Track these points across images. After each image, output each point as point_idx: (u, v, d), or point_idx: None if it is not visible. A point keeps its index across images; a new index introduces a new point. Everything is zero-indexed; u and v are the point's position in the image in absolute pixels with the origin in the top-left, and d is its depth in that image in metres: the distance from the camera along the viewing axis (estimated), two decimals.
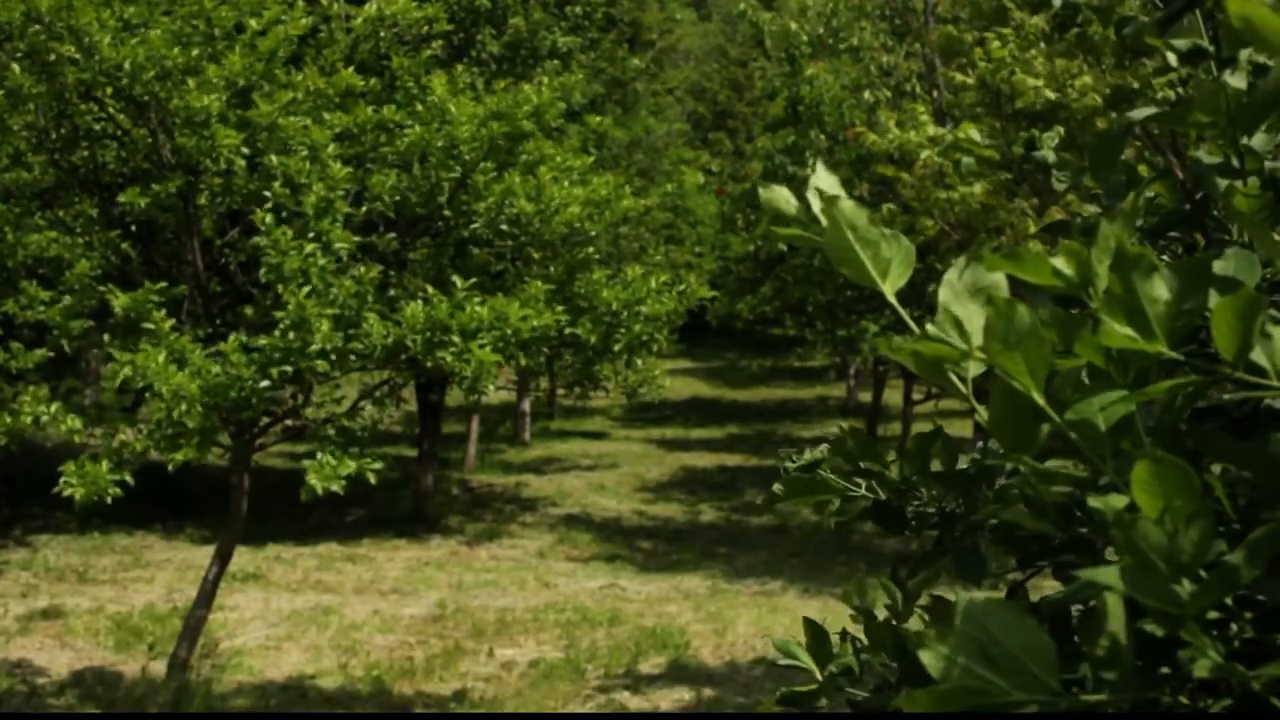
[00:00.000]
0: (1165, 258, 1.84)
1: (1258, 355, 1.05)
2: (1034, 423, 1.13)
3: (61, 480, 6.98)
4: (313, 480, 6.96)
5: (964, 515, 1.63)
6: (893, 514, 1.69)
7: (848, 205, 1.24)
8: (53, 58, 7.59)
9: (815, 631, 1.85)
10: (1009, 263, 1.14)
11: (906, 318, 1.27)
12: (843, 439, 1.73)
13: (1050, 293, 1.17)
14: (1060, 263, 1.11)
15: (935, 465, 1.67)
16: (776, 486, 1.75)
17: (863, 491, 1.70)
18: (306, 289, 7.07)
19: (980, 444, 1.67)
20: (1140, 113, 1.60)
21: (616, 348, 8.27)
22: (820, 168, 1.32)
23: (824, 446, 1.80)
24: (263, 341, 7.18)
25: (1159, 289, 1.03)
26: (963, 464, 1.66)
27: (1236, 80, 1.36)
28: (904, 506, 1.69)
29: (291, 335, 7.03)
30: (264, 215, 7.32)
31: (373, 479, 7.13)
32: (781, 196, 1.32)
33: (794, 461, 1.85)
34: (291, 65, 8.24)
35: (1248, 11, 1.14)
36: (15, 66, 7.77)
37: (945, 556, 1.67)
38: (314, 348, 6.96)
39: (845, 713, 1.87)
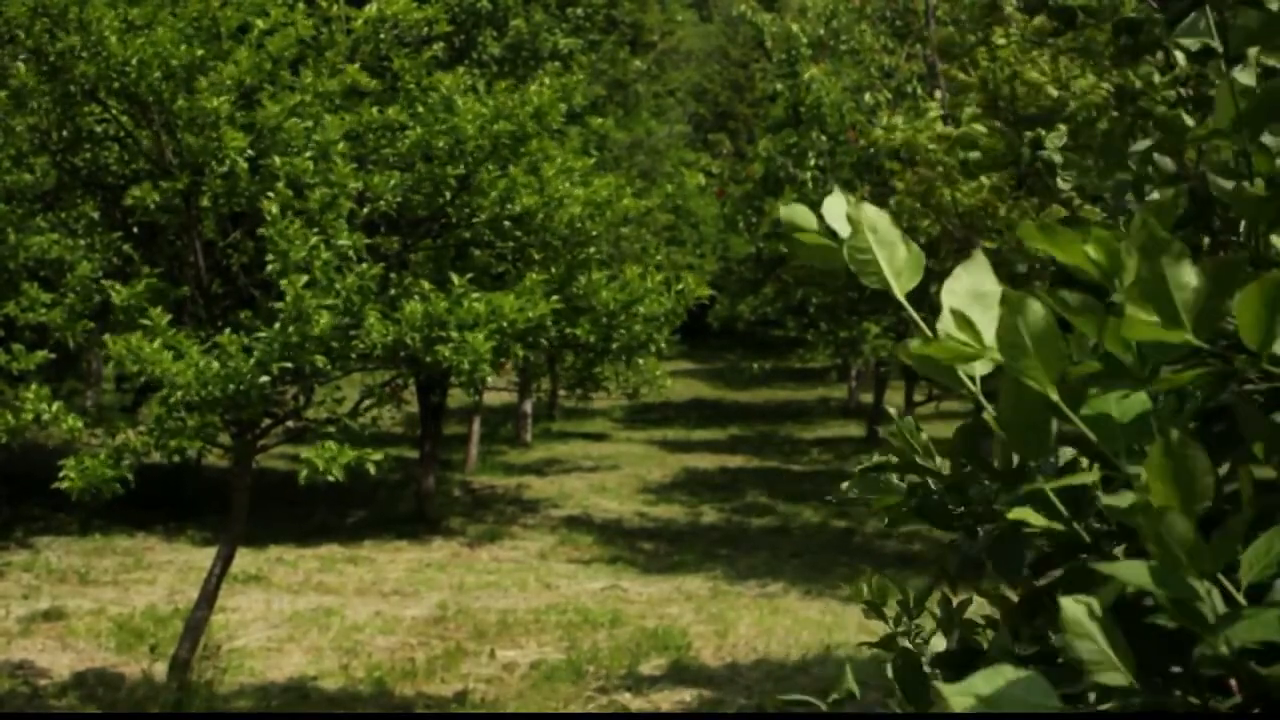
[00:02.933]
0: None
1: None
2: (1045, 421, 1.13)
3: (61, 474, 6.98)
4: (312, 457, 6.97)
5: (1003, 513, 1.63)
6: (939, 510, 1.71)
7: (870, 208, 1.30)
8: (58, 47, 7.58)
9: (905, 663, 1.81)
10: (1044, 237, 1.14)
11: (919, 320, 1.30)
12: (898, 433, 1.75)
13: (1069, 282, 1.17)
14: (1091, 249, 1.11)
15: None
16: (845, 485, 1.79)
17: (921, 489, 1.73)
18: (304, 279, 7.07)
19: (984, 449, 1.67)
20: (1143, 144, 1.60)
21: (614, 347, 8.27)
22: (836, 191, 1.37)
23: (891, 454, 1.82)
24: (262, 334, 7.19)
25: (1188, 275, 1.02)
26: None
27: (1245, 77, 1.36)
28: (949, 503, 1.70)
29: (291, 329, 7.03)
30: (271, 206, 7.32)
31: (372, 470, 7.13)
32: (801, 212, 1.38)
33: (862, 463, 1.88)
34: (293, 68, 8.24)
35: None
36: (21, 66, 7.77)
37: (988, 558, 1.67)
38: (315, 334, 6.96)
39: (848, 713, 1.87)
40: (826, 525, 17.30)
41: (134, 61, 7.46)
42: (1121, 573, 0.97)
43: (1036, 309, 1.07)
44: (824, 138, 17.57)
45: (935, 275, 1.25)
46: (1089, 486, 1.21)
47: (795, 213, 1.38)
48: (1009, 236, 10.94)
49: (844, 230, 1.31)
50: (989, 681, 1.01)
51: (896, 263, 1.28)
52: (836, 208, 1.33)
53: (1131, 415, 1.11)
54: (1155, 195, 1.83)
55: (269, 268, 7.32)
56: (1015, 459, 1.63)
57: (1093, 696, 1.11)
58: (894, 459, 1.76)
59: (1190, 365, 1.07)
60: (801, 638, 11.17)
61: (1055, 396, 1.09)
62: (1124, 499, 1.06)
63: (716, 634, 11.32)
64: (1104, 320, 1.06)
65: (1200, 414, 1.36)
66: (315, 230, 7.32)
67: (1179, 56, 1.49)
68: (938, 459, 1.71)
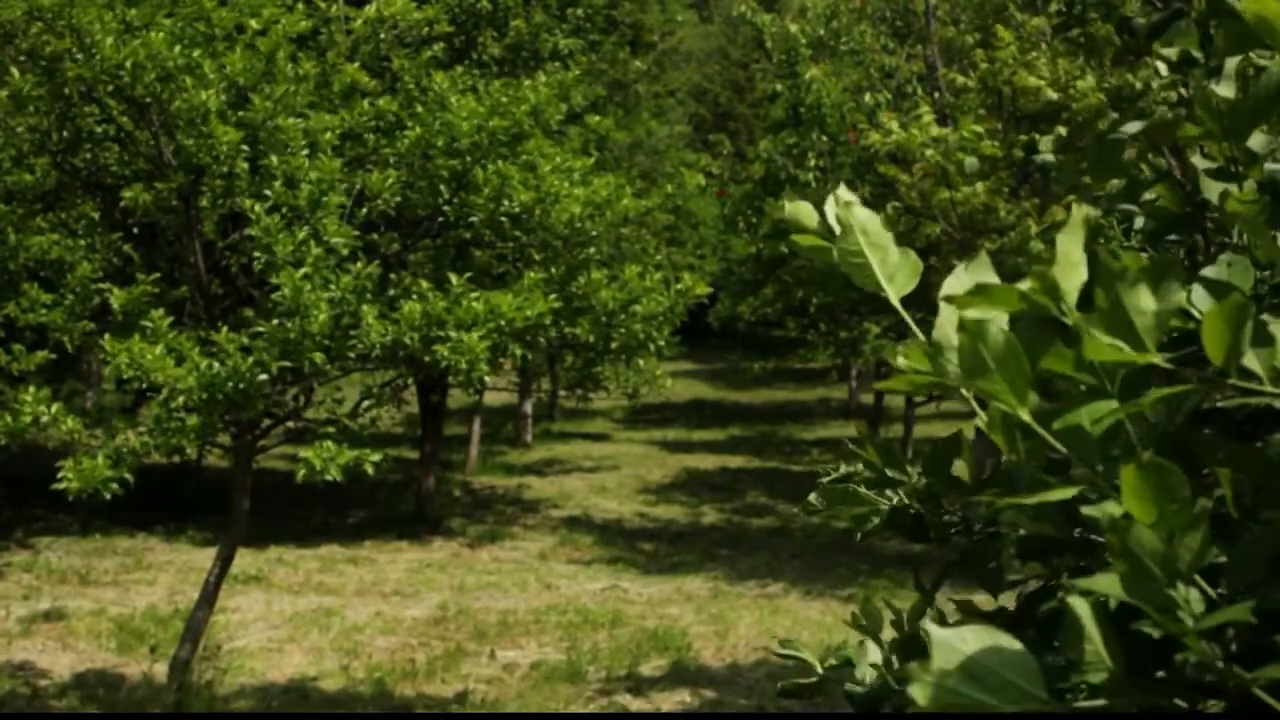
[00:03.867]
0: None
1: (1249, 360, 1.05)
2: (1026, 434, 1.13)
3: (59, 475, 6.98)
4: (310, 457, 6.97)
5: (986, 522, 1.64)
6: (914, 523, 1.70)
7: (861, 210, 1.29)
8: (50, 50, 7.58)
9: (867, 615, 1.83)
10: (975, 300, 1.14)
11: (913, 325, 1.29)
12: (862, 444, 1.74)
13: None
14: (1027, 288, 1.11)
15: (959, 472, 1.67)
16: (813, 497, 1.77)
17: (893, 502, 1.71)
18: (301, 271, 7.07)
19: (979, 453, 1.68)
20: (1133, 125, 1.60)
21: (614, 347, 8.27)
22: (843, 188, 1.37)
23: (858, 464, 1.81)
24: (261, 328, 7.19)
25: (1145, 299, 1.03)
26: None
27: (1224, 89, 1.36)
28: (924, 515, 1.69)
29: (289, 324, 7.03)
30: (254, 204, 7.33)
31: (370, 470, 7.13)
32: (803, 210, 1.38)
33: (829, 474, 1.86)
34: (291, 64, 8.24)
35: (1261, 8, 1.14)
36: (15, 70, 7.77)
37: (967, 566, 1.67)
38: (313, 329, 6.95)
39: (849, 712, 1.87)
40: (826, 526, 17.25)
41: (128, 64, 7.47)
42: (1097, 586, 0.98)
43: (996, 332, 1.08)
44: (824, 138, 17.58)
45: (939, 275, 1.25)
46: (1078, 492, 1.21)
47: (798, 210, 1.38)
48: (1011, 237, 10.94)
49: (841, 224, 1.31)
50: (978, 639, 1.01)
51: (889, 266, 1.27)
52: (845, 197, 1.33)
53: (1103, 427, 1.12)
54: (1149, 195, 1.84)
55: (255, 265, 7.33)
56: (987, 469, 1.63)
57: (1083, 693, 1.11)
58: (861, 470, 1.76)
59: (1158, 382, 1.08)
60: (802, 638, 11.17)
61: (1026, 416, 1.10)
62: (1104, 509, 1.07)
63: (717, 634, 11.33)
64: (1050, 346, 1.07)
65: (1192, 417, 1.37)
66: (305, 227, 7.32)
67: (1160, 66, 1.49)
68: (911, 473, 1.71)
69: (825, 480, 1.85)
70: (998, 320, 1.10)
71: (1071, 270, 1.07)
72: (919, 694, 1.00)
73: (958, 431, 1.70)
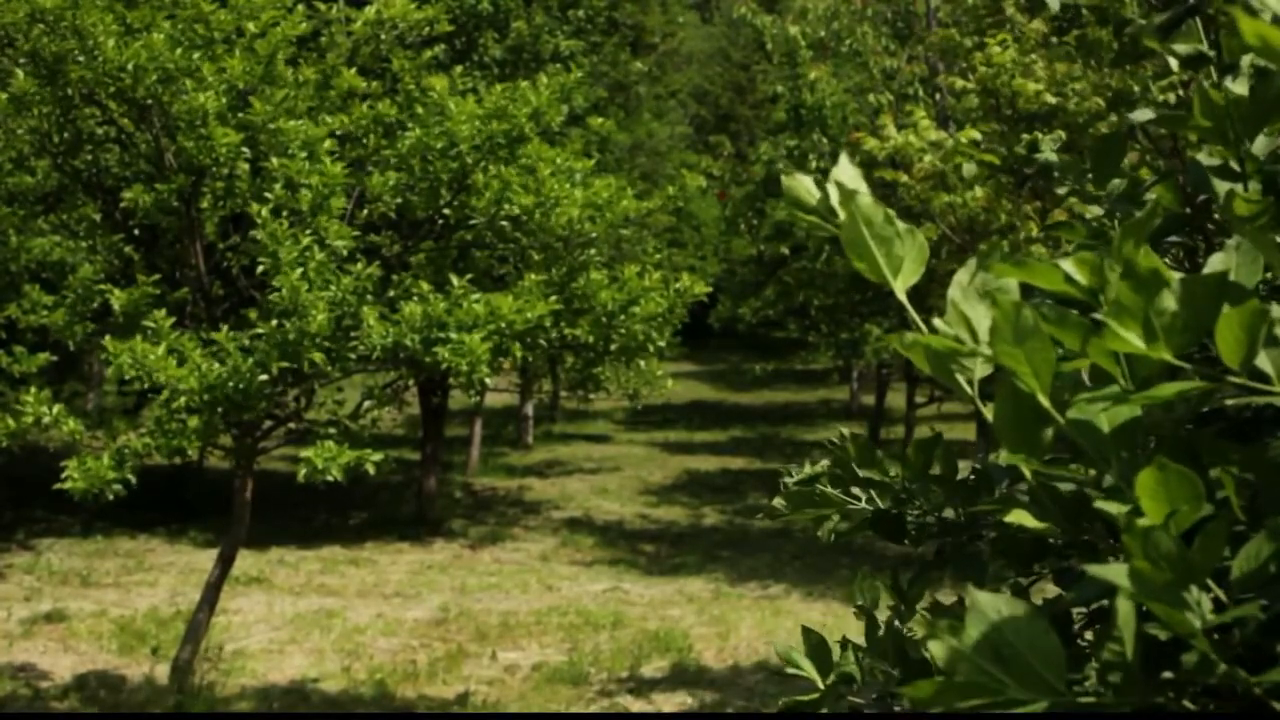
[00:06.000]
0: (1166, 261, 1.83)
1: (1261, 361, 1.05)
2: (1039, 423, 1.13)
3: (64, 475, 6.99)
4: (312, 457, 6.98)
5: (965, 523, 1.63)
6: (892, 523, 1.69)
7: (865, 200, 1.25)
8: (55, 50, 7.59)
9: (814, 640, 1.84)
10: (1018, 270, 1.14)
11: (914, 315, 1.27)
12: (842, 447, 1.72)
13: (1056, 296, 1.17)
14: (1072, 269, 1.11)
15: (935, 472, 1.65)
16: (777, 500, 1.74)
17: (863, 503, 1.69)
18: (299, 271, 7.08)
19: (981, 454, 1.67)
20: (1142, 115, 1.59)
21: (614, 348, 8.26)
22: (843, 159, 1.33)
23: (824, 462, 1.79)
24: (260, 329, 7.20)
25: (1167, 301, 1.03)
26: (963, 472, 1.65)
27: (1238, 86, 1.36)
28: (904, 515, 1.68)
29: (288, 324, 7.03)
30: (260, 208, 7.34)
31: (371, 470, 7.13)
32: (803, 185, 1.33)
33: (793, 475, 1.84)
34: (291, 68, 8.25)
35: (1261, 30, 1.14)
36: (20, 72, 7.78)
37: (945, 565, 1.67)
38: (312, 330, 6.95)
39: (849, 714, 1.87)
40: (824, 538, 17.26)
41: (130, 66, 7.47)
42: (1109, 575, 0.97)
43: (1028, 314, 1.07)
44: (825, 140, 17.58)
45: (937, 279, 1.24)
46: (1082, 488, 1.21)
47: (798, 186, 1.33)
48: (1011, 238, 10.94)
49: (843, 214, 1.26)
50: (1014, 614, 0.99)
51: (894, 260, 1.24)
52: (845, 175, 1.28)
53: (1119, 421, 1.11)
54: (1150, 195, 1.84)
55: (259, 269, 7.34)
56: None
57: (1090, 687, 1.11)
58: (829, 469, 1.73)
59: (1173, 379, 1.07)
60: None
61: (1046, 402, 1.09)
62: (1116, 505, 1.06)
63: (718, 636, 11.32)
64: (1088, 334, 1.07)
65: (1193, 418, 1.37)
66: (308, 231, 7.33)
67: (1172, 62, 1.49)
68: (891, 472, 1.69)
69: (790, 481, 1.83)
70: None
71: (1121, 264, 1.06)
72: (939, 655, 0.99)
73: (938, 432, 1.68)
